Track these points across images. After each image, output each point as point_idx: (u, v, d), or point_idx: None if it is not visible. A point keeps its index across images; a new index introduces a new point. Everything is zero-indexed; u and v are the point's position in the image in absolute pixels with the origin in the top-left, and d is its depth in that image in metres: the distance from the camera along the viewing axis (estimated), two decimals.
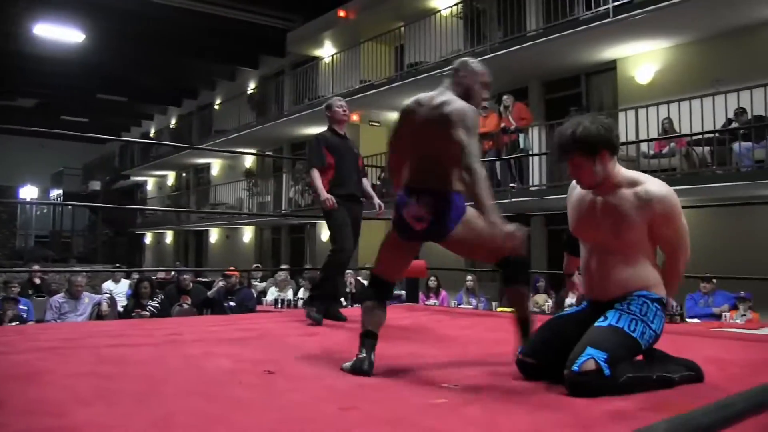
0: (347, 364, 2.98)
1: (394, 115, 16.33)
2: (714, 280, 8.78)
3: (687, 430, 1.27)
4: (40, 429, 2.03)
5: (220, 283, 9.12)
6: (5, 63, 21.59)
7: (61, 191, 33.49)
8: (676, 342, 4.15)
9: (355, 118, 16.64)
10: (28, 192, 33.23)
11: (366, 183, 5.76)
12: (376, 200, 5.81)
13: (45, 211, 34.96)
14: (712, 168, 9.73)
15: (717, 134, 9.56)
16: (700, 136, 9.73)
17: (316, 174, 5.29)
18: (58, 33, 18.34)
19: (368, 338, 3.02)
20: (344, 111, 5.60)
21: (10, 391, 2.53)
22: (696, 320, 8.01)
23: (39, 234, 34.61)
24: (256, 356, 3.43)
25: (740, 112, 9.35)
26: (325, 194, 5.21)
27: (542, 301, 10.05)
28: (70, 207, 33.88)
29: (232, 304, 8.88)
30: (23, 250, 31.17)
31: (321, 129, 5.69)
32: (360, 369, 2.91)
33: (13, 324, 7.48)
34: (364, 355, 2.95)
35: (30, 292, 10.56)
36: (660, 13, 9.93)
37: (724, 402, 1.45)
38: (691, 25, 10.38)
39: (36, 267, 12.56)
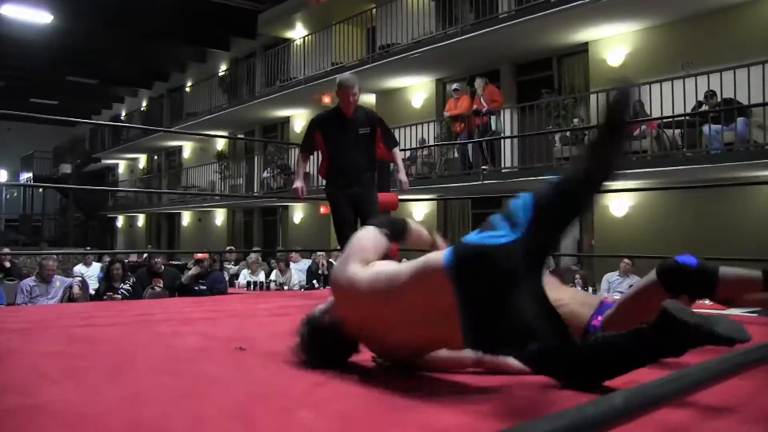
0: None
1: (366, 97, 16.43)
2: None
3: (644, 399, 1.29)
4: (7, 408, 2.02)
5: (193, 269, 9.02)
6: None
7: (31, 174, 33.09)
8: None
9: (327, 100, 16.60)
10: None
11: (395, 153, 5.44)
12: (399, 175, 5.46)
13: (15, 194, 34.55)
14: (683, 150, 9.85)
15: (687, 117, 9.65)
16: (670, 119, 9.82)
17: (299, 159, 5.19)
18: (25, 14, 18.08)
19: None
20: (352, 98, 5.26)
21: None
22: None
23: (9, 218, 34.23)
24: (225, 335, 3.43)
25: (710, 94, 9.44)
26: (297, 182, 5.11)
27: None
28: (40, 190, 33.54)
29: (203, 287, 8.82)
30: None
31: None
32: None
33: None
34: None
35: (0, 275, 10.45)
36: None
37: (681, 373, 1.48)
38: (661, 7, 10.47)
39: (6, 250, 12.39)
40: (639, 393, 1.30)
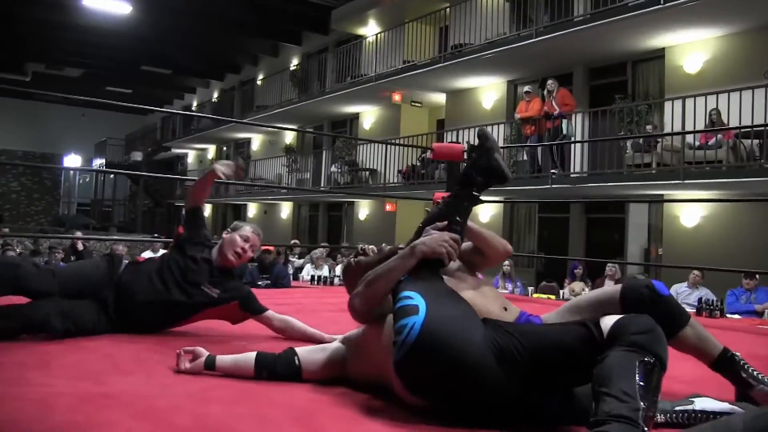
0: None
1: (436, 96, 16.41)
2: (757, 276, 8.58)
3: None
4: (79, 393, 2.06)
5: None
6: (54, 33, 21.88)
7: (103, 160, 33.99)
8: (718, 336, 4.08)
9: (397, 98, 16.61)
10: (73, 160, 33.76)
11: None
12: None
13: (87, 179, 35.54)
14: (760, 161, 9.53)
15: (766, 127, 9.33)
16: (748, 129, 9.50)
17: None
18: (106, 4, 18.48)
19: None
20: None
21: (53, 355, 2.58)
22: (737, 316, 7.84)
23: (81, 202, 35.24)
24: None
25: None
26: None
27: (579, 288, 9.96)
28: (111, 176, 34.42)
29: (267, 282, 8.91)
30: (66, 217, 31.72)
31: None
32: None
33: None
34: None
35: (72, 258, 10.76)
36: (712, 1, 9.72)
37: None
38: (743, 13, 10.15)
39: (78, 234, 12.75)
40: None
